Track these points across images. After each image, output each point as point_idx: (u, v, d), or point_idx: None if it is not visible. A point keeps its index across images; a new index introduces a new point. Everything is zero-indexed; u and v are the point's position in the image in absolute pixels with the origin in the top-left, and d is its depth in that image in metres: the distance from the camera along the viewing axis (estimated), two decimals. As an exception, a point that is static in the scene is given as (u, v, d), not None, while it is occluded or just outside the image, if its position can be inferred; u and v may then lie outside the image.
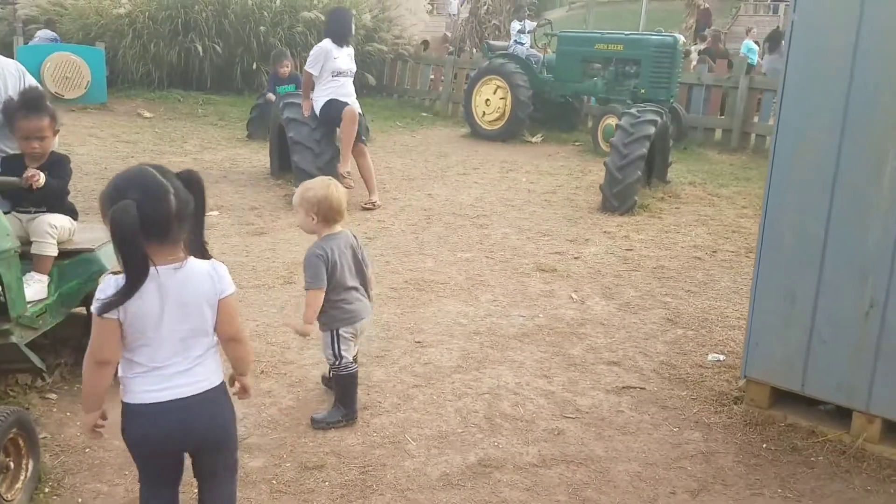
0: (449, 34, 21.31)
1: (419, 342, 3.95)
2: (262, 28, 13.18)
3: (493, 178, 8.32)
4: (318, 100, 6.81)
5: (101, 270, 3.28)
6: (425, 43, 15.92)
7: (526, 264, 5.34)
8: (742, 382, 3.42)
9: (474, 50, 15.80)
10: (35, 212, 3.25)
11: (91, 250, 3.27)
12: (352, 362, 3.07)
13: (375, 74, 14.42)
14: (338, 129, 6.83)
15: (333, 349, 3.03)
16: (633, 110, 7.38)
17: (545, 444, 3.02)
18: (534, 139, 11.10)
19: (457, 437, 3.04)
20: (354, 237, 3.13)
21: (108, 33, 12.74)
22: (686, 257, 5.64)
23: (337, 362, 3.05)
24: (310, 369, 3.60)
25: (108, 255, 3.32)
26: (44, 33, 12.80)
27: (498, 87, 11.00)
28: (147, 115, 11.37)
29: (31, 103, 3.17)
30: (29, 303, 3.01)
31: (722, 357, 3.91)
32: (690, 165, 9.37)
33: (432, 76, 14.14)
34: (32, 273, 3.06)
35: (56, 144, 3.67)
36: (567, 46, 11.03)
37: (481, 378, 3.57)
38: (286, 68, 9.70)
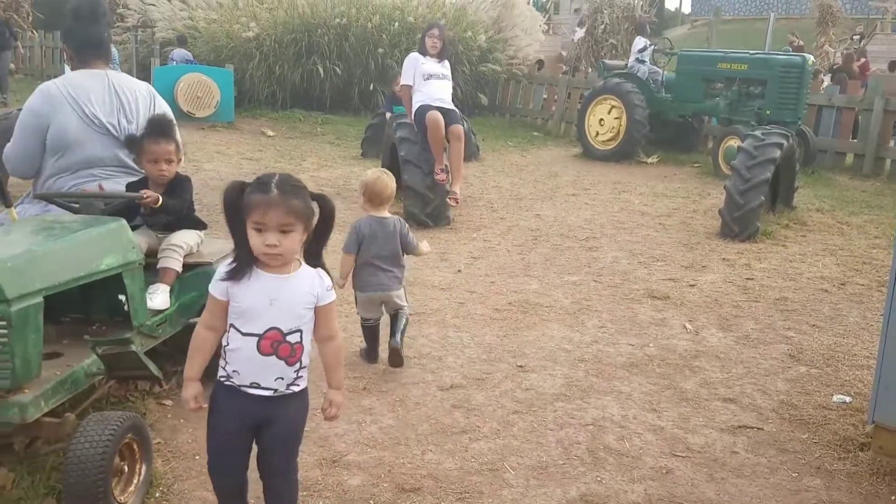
0: (564, 53, 21.17)
1: (521, 366, 3.86)
2: (380, 50, 13.53)
3: (605, 200, 8.13)
4: (414, 107, 6.97)
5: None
6: (540, 63, 15.88)
7: (636, 290, 5.15)
8: (870, 428, 3.12)
9: (589, 69, 15.61)
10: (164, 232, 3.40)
11: (209, 264, 3.38)
12: (367, 318, 3.77)
13: (488, 94, 14.49)
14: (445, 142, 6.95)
15: (355, 303, 3.85)
16: (757, 132, 7.02)
17: (652, 483, 2.86)
18: (649, 160, 10.79)
19: (557, 469, 2.93)
20: (402, 225, 3.73)
21: (237, 55, 13.44)
22: (812, 289, 5.27)
23: (358, 313, 3.83)
24: (411, 388, 3.58)
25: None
26: (179, 54, 13.65)
27: (613, 106, 10.79)
28: (270, 133, 11.87)
29: (160, 128, 3.32)
30: (152, 312, 3.14)
31: (848, 399, 3.60)
32: (818, 191, 8.83)
33: (545, 96, 14.05)
34: (158, 284, 3.19)
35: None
36: (688, 65, 10.71)
37: (585, 408, 3.43)
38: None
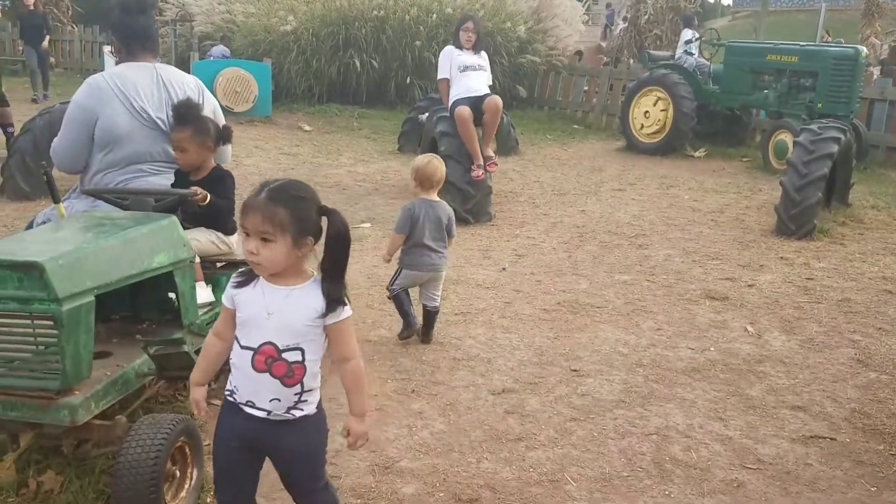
0: (603, 44, 20.84)
1: (576, 371, 3.72)
2: (417, 43, 13.40)
3: (653, 195, 7.91)
4: (451, 101, 6.81)
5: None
6: (579, 53, 15.62)
7: (693, 290, 4.96)
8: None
9: (631, 60, 15.32)
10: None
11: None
12: (400, 291, 3.94)
13: (527, 86, 14.28)
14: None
15: (393, 277, 3.96)
16: (813, 126, 6.76)
17: (723, 497, 2.71)
18: (696, 154, 10.54)
19: (622, 482, 2.78)
20: (449, 211, 3.95)
21: (275, 49, 13.41)
22: (875, 290, 5.04)
23: (390, 285, 3.97)
24: (461, 392, 3.46)
25: None
26: (218, 50, 13.69)
27: (659, 98, 10.55)
28: (307, 128, 11.83)
29: (177, 114, 3.21)
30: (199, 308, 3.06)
31: (927, 408, 3.40)
32: (872, 187, 8.52)
33: (586, 87, 13.82)
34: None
35: (227, 158, 3.76)
36: (736, 57, 10.43)
37: (647, 416, 3.28)
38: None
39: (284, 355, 1.94)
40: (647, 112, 10.70)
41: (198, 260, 3.16)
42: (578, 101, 13.84)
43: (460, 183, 6.61)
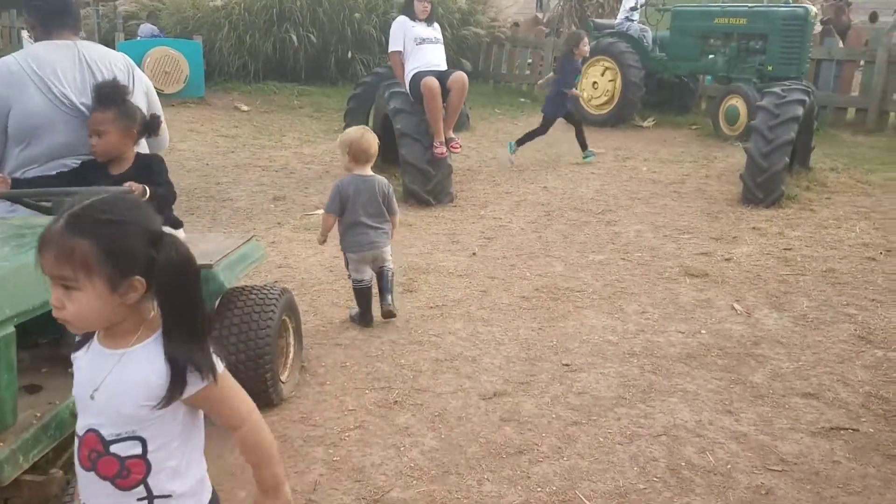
0: (540, 15, 20.53)
1: (567, 365, 3.42)
2: (356, 15, 12.84)
3: (611, 168, 7.68)
4: (408, 75, 6.38)
5: (220, 290, 2.89)
6: (516, 25, 15.28)
7: (670, 268, 4.73)
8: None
9: (573, 29, 15.06)
10: None
11: (209, 266, 2.87)
12: (360, 280, 3.75)
13: (471, 59, 13.89)
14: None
15: (346, 265, 3.84)
16: (776, 89, 6.59)
17: (752, 508, 2.46)
18: (645, 123, 10.36)
19: (640, 496, 2.50)
20: (384, 184, 3.73)
21: (205, 26, 12.67)
22: (858, 258, 4.89)
23: (350, 276, 3.79)
24: (449, 398, 3.13)
25: (230, 272, 2.93)
26: (146, 29, 12.85)
27: (606, 68, 10.30)
28: (244, 108, 11.22)
29: (99, 94, 2.76)
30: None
31: (940, 386, 3.23)
32: (826, 149, 8.44)
33: (530, 60, 13.51)
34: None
35: (164, 144, 3.32)
36: (682, 22, 10.22)
37: (652, 414, 3.01)
38: (587, 47, 8.03)
39: (113, 449, 1.38)
40: (595, 83, 10.44)
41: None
42: (524, 73, 13.52)
43: (419, 163, 6.23)
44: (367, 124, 7.90)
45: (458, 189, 6.61)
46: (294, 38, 12.61)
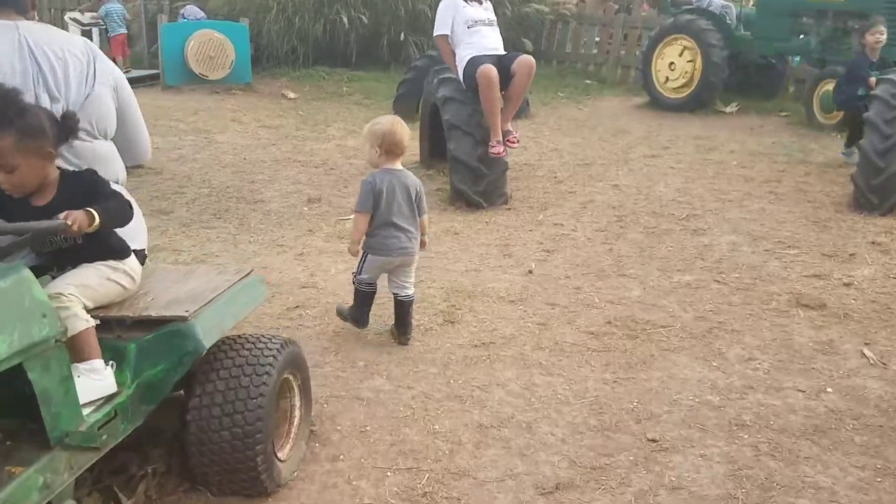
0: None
1: (655, 441, 2.61)
2: (410, -7, 12.07)
3: (693, 162, 6.74)
4: (461, 62, 5.55)
5: (198, 350, 2.15)
6: (581, 2, 14.27)
7: (777, 295, 3.84)
8: None
9: (645, 5, 13.97)
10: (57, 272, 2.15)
11: (183, 319, 2.15)
12: (370, 283, 3.31)
13: (532, 38, 12.95)
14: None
15: (358, 265, 3.29)
16: (893, 76, 5.55)
17: None
18: (727, 109, 9.34)
19: None
20: (417, 182, 3.23)
21: (253, 8, 12.09)
22: None
23: (355, 277, 3.31)
24: (495, 491, 2.36)
25: (214, 323, 2.20)
26: (191, 10, 12.33)
27: (685, 47, 9.30)
28: (291, 95, 10.59)
29: None
30: (86, 407, 1.96)
31: None
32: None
33: (598, 38, 12.51)
34: (75, 364, 1.98)
35: (145, 152, 2.66)
36: (772, -3, 9.14)
37: (777, 528, 2.19)
38: (882, 35, 6.61)
39: None
40: (672, 64, 9.46)
41: (90, 324, 2.04)
42: (590, 53, 12.54)
43: (470, 159, 5.44)
44: (416, 113, 7.16)
45: (514, 188, 5.80)
46: (345, 19, 11.91)
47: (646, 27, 11.35)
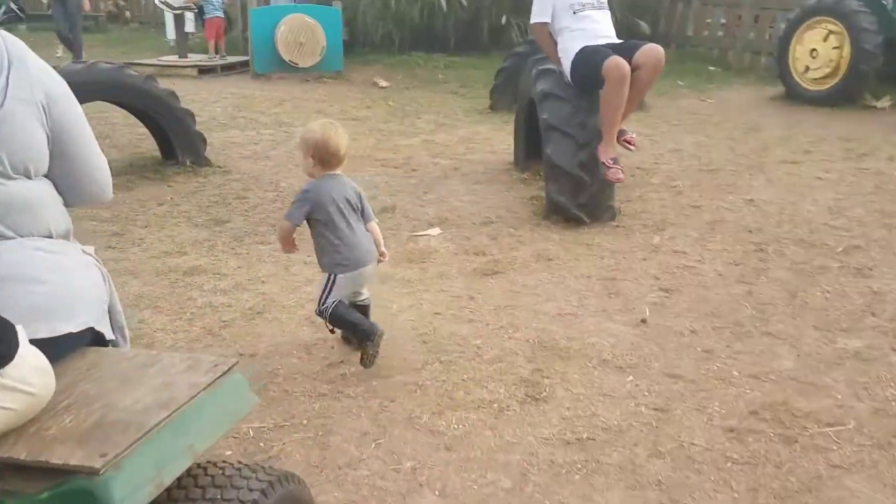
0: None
1: None
2: (514, -27, 11.13)
3: (844, 171, 5.56)
4: (567, 53, 4.61)
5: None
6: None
7: None
8: None
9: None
10: None
11: (93, 472, 1.36)
12: (333, 305, 2.84)
13: (650, 21, 11.73)
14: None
15: (323, 292, 2.87)
16: None
17: None
18: (879, 104, 7.97)
19: None
20: (354, 186, 2.90)
21: (347, -9, 11.50)
22: None
23: (319, 307, 2.86)
24: None
25: (142, 479, 1.41)
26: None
27: (830, 32, 7.99)
28: (383, 84, 9.91)
29: None
30: None
31: None
32: None
33: (724, 20, 11.17)
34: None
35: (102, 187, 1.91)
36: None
37: None
38: None
39: None
40: (813, 50, 8.16)
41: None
42: (715, 36, 11.21)
43: (570, 166, 4.53)
44: (514, 104, 6.28)
45: (623, 199, 4.85)
46: (443, 2, 11.12)
47: (781, 8, 9.98)
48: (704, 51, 11.19)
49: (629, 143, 4.66)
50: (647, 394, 2.73)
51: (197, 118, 7.69)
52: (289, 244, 2.94)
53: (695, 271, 3.85)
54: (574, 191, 4.55)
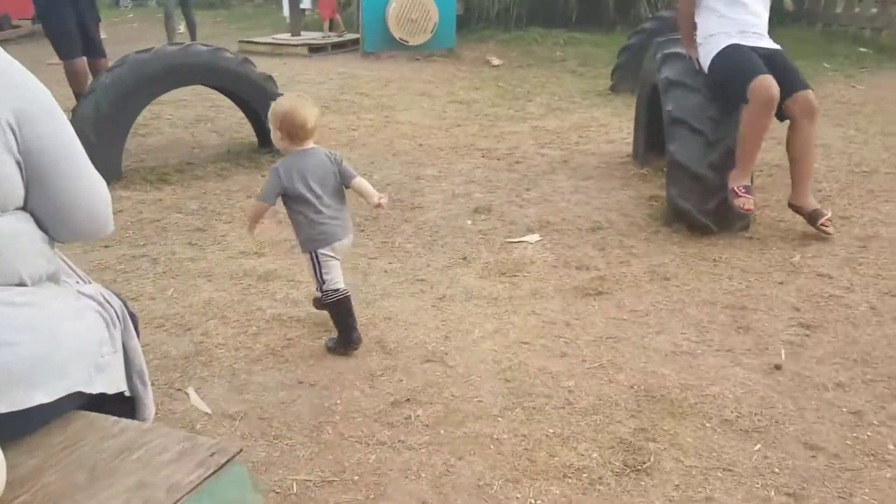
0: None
1: None
2: (645, -59, 10.32)
3: None
4: (709, 45, 3.99)
5: None
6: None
7: None
8: None
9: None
10: None
11: None
12: (337, 288, 2.84)
13: (794, -4, 10.63)
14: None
15: (316, 272, 2.84)
16: None
17: None
18: None
19: None
20: (327, 155, 2.82)
21: (465, -36, 11.04)
22: None
23: (322, 286, 2.83)
24: None
25: None
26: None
27: None
28: (495, 62, 9.43)
29: None
30: None
31: None
32: None
33: (881, -6, 9.92)
34: None
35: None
36: None
37: None
38: None
39: None
40: None
41: None
42: (868, 14, 9.97)
43: (697, 165, 3.94)
44: (637, 88, 5.64)
45: (759, 203, 4.18)
46: (567, -27, 10.47)
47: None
48: (855, 30, 9.96)
49: (825, 227, 3.84)
50: (777, 471, 2.19)
51: (301, 99, 7.58)
52: (256, 224, 2.86)
53: (842, 302, 3.20)
54: (701, 195, 3.95)
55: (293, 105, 2.77)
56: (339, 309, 2.84)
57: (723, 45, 3.89)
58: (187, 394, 2.57)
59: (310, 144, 2.83)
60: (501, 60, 9.50)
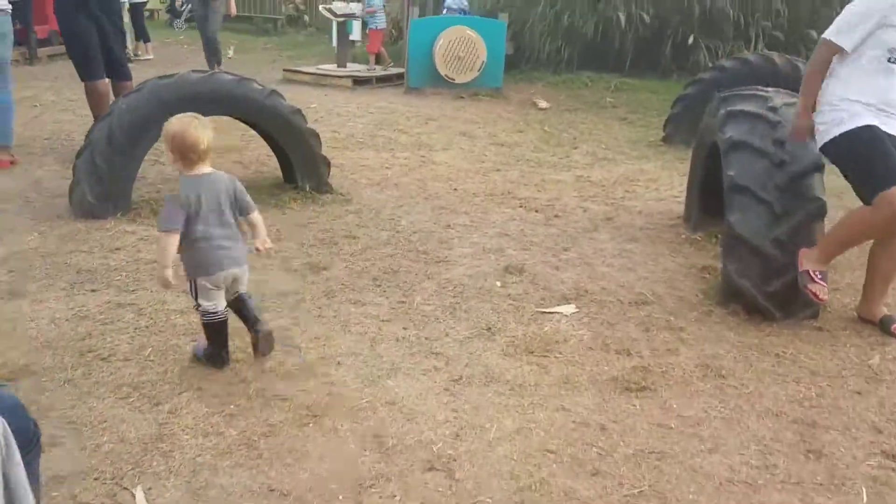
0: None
1: None
2: (712, -12, 9.88)
3: None
4: (839, 116, 3.24)
5: None
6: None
7: None
8: None
9: None
10: None
11: None
12: (215, 312, 2.81)
13: None
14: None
15: (193, 296, 2.81)
16: None
17: None
18: None
19: None
20: (228, 180, 2.81)
21: (517, 2, 10.71)
22: None
23: (198, 307, 2.82)
24: None
25: None
26: (455, 1, 11.18)
27: None
28: (543, 105, 9.01)
29: None
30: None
31: None
32: None
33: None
34: None
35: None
36: None
37: None
38: None
39: None
40: None
41: None
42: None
43: (760, 240, 3.42)
44: (693, 141, 5.13)
45: (830, 286, 3.62)
46: (622, 17, 10.05)
47: None
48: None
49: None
50: None
51: (336, 134, 7.23)
52: (169, 265, 2.68)
53: (942, 423, 2.64)
54: (763, 274, 3.42)
55: (184, 126, 2.69)
56: (213, 329, 2.81)
57: (857, 124, 3.17)
58: (133, 494, 2.13)
59: (206, 167, 2.77)
60: (549, 103, 9.08)
